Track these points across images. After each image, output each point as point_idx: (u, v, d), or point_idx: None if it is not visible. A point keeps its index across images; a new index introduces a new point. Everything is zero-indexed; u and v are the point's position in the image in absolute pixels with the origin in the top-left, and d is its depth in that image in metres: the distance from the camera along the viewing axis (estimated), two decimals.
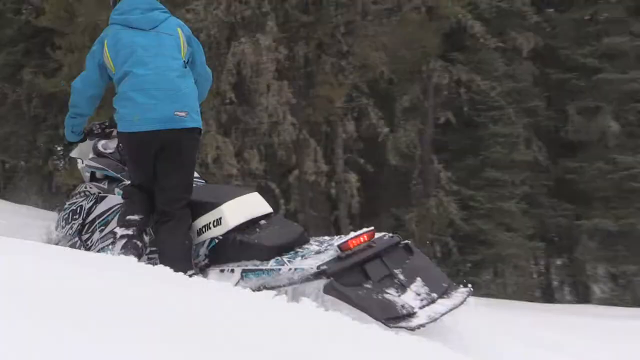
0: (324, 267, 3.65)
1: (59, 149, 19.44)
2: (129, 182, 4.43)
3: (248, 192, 4.38)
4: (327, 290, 3.57)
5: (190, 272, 3.93)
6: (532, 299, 14.37)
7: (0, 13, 17.65)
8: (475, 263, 14.83)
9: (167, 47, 4.22)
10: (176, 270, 3.57)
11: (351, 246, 3.76)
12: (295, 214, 14.31)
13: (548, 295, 15.94)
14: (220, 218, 4.09)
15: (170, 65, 4.18)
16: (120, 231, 4.25)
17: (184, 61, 4.26)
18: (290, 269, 3.73)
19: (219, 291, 3.23)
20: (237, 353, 2.12)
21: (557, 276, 16.82)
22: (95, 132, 4.84)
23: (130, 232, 4.21)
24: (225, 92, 12.36)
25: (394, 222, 15.64)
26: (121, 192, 4.48)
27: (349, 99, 13.51)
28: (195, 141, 4.30)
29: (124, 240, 4.16)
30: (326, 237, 4.05)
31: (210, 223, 4.13)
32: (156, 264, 3.85)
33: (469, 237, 14.42)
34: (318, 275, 3.64)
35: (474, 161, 14.79)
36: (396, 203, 15.15)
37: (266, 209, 4.28)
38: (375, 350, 2.69)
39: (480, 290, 13.48)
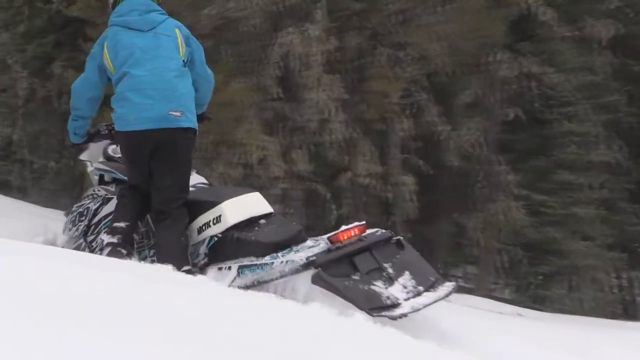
0: (313, 258, 4.09)
1: None
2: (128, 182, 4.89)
3: (249, 192, 4.86)
4: (315, 280, 3.99)
5: (185, 268, 4.39)
6: (613, 316, 14.20)
7: (29, 2, 18.17)
8: (547, 275, 14.74)
9: (165, 48, 4.72)
10: (174, 264, 4.08)
11: (341, 239, 4.20)
12: (346, 219, 14.44)
13: (631, 312, 15.73)
14: (220, 216, 4.55)
15: (167, 65, 4.68)
16: (106, 238, 4.75)
17: (183, 61, 4.77)
18: (282, 261, 4.16)
19: (220, 291, 3.50)
20: (238, 353, 2.29)
21: None
22: (102, 132, 5.31)
23: (115, 240, 4.69)
24: (271, 87, 12.56)
25: (455, 229, 15.65)
26: None
27: (406, 93, 13.57)
28: (190, 141, 4.79)
29: (109, 249, 4.65)
30: (323, 236, 4.39)
31: (210, 221, 4.59)
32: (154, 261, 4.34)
33: (540, 246, 14.34)
34: (307, 266, 4.07)
35: (545, 162, 14.69)
36: (458, 208, 15.14)
37: (266, 208, 4.75)
38: (376, 350, 2.87)
39: (553, 305, 13.41)
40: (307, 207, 13.88)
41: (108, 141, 5.36)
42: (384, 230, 4.48)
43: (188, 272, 4.33)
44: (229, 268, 4.36)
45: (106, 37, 4.77)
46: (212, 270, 4.45)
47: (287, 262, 4.15)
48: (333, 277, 3.99)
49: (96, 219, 5.11)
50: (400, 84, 13.12)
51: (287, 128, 13.11)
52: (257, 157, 12.58)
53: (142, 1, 4.86)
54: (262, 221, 4.63)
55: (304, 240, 4.44)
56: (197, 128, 4.84)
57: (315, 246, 4.27)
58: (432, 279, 4.21)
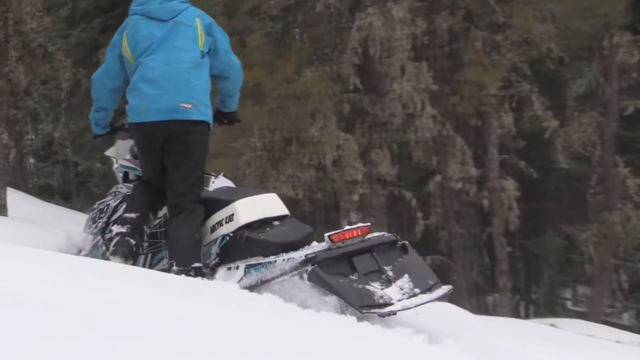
0: (312, 255, 4.54)
1: None
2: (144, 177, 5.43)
3: (266, 193, 5.35)
4: (310, 277, 4.46)
5: (196, 265, 4.91)
6: None
7: None
8: None
9: (182, 39, 5.14)
10: (183, 261, 4.83)
11: (342, 238, 4.63)
12: (435, 230, 14.56)
13: None
14: (233, 214, 5.01)
15: (181, 57, 5.12)
16: (115, 229, 5.24)
17: (202, 51, 5.17)
18: (283, 259, 4.65)
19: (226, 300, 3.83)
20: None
21: None
22: (126, 126, 5.60)
23: (124, 229, 5.17)
24: (348, 76, 12.77)
25: (564, 242, 15.60)
26: None
27: (505, 84, 13.56)
28: (203, 135, 5.18)
29: (117, 238, 5.15)
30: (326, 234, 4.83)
31: (222, 220, 5.07)
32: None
33: None
34: (305, 263, 4.53)
35: None
36: (567, 218, 15.09)
37: (281, 210, 5.18)
38: (373, 352, 3.17)
39: None
40: (389, 217, 14.04)
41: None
42: (388, 234, 4.89)
43: (198, 270, 4.88)
44: (237, 268, 4.86)
45: (126, 25, 5.19)
46: (222, 270, 4.94)
47: (287, 259, 4.63)
48: (329, 275, 4.46)
49: (115, 217, 5.55)
50: (499, 73, 13.15)
51: (367, 124, 13.30)
52: (331, 157, 12.77)
53: None
54: (276, 223, 5.07)
55: (313, 241, 4.89)
56: (210, 122, 5.22)
57: (318, 246, 4.74)
58: (431, 282, 4.62)
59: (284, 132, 12.84)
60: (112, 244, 5.14)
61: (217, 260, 5.05)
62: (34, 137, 24.68)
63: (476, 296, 15.48)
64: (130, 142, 5.70)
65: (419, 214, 13.66)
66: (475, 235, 15.37)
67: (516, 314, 17.08)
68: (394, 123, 13.04)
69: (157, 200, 5.34)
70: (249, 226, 4.99)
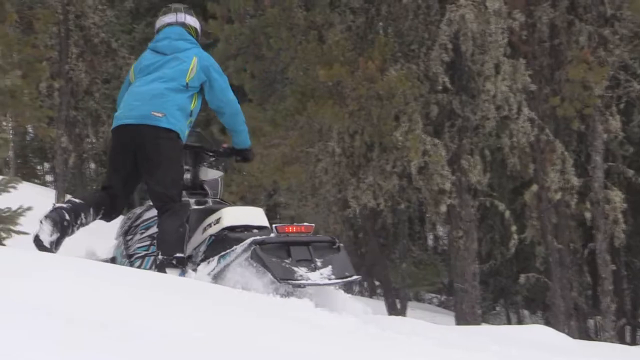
0: (258, 240, 5.79)
1: (209, 153, 20.51)
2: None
3: (254, 207, 6.85)
4: (252, 255, 5.76)
5: (178, 255, 6.07)
6: None
7: None
8: None
9: (171, 68, 6.44)
10: (167, 251, 6.01)
11: (286, 230, 5.95)
12: (531, 245, 14.33)
13: None
14: (219, 218, 6.31)
15: (165, 81, 6.38)
16: (58, 204, 6.41)
17: (187, 83, 6.41)
18: (240, 245, 5.86)
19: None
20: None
21: None
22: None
23: (64, 205, 6.40)
24: (437, 75, 12.62)
25: None
26: None
27: (613, 83, 13.35)
28: (173, 141, 6.27)
29: (57, 209, 6.33)
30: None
31: (211, 222, 6.38)
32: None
33: None
34: (250, 245, 5.79)
35: None
36: None
37: (263, 222, 6.46)
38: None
39: None
40: (480, 230, 13.85)
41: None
42: (331, 237, 6.29)
43: (180, 259, 6.09)
44: (213, 259, 6.09)
45: (140, 59, 6.63)
46: (202, 264, 6.14)
47: (242, 245, 5.85)
48: (266, 255, 5.75)
49: (137, 222, 6.76)
50: (606, 71, 12.89)
51: (457, 128, 13.13)
52: (417, 164, 12.64)
53: (177, 30, 6.61)
54: (255, 230, 6.33)
55: None
56: (180, 132, 6.31)
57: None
58: (347, 273, 5.90)
59: (365, 136, 12.75)
60: (50, 210, 6.33)
61: (203, 257, 6.26)
62: (94, 140, 25.01)
63: (576, 319, 15.23)
64: None
65: (513, 227, 13.48)
66: (576, 252, 15.13)
67: (621, 340, 16.72)
68: (487, 126, 12.85)
69: (109, 204, 6.48)
70: (231, 229, 6.28)
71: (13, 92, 12.19)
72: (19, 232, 10.47)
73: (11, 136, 23.86)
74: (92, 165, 30.36)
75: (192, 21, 6.78)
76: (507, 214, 13.55)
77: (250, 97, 15.78)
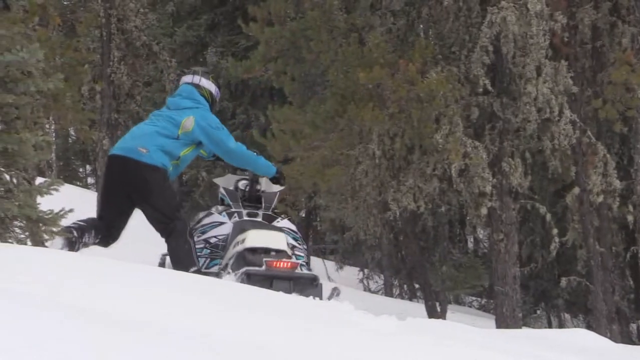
0: (251, 271, 7.07)
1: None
2: (236, 210, 7.96)
3: (277, 231, 7.72)
4: (241, 281, 6.93)
5: (192, 269, 7.00)
6: None
7: None
8: None
9: (168, 120, 7.54)
10: (183, 270, 6.64)
11: (274, 265, 7.16)
12: (572, 249, 14.27)
13: None
14: (244, 239, 7.40)
15: (158, 126, 7.52)
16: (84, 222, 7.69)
17: (178, 135, 7.50)
18: (240, 270, 7.14)
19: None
20: None
21: None
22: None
23: (72, 224, 7.53)
24: (478, 77, 12.60)
25: None
26: (225, 214, 7.99)
27: None
28: (157, 174, 7.37)
29: (76, 224, 7.61)
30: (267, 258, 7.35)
31: (239, 241, 7.46)
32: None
33: None
34: (243, 273, 7.06)
35: None
36: None
37: (282, 246, 7.50)
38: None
39: None
40: (521, 233, 13.81)
41: (242, 177, 8.26)
42: (311, 273, 7.39)
43: (197, 272, 6.96)
44: (232, 272, 7.23)
45: None
46: (228, 275, 7.19)
47: (240, 270, 7.11)
48: (251, 284, 6.70)
49: (197, 225, 7.85)
50: None
51: (497, 130, 13.10)
52: (458, 167, 12.62)
53: (188, 89, 7.72)
54: (273, 253, 7.36)
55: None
56: (162, 167, 7.37)
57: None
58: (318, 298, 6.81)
59: (406, 139, 12.75)
60: (73, 223, 7.60)
61: (230, 269, 7.30)
62: None
63: (618, 323, 15.13)
64: (234, 178, 8.21)
65: (555, 231, 13.40)
66: (618, 255, 15.06)
67: None
68: (528, 129, 12.79)
69: (102, 232, 7.61)
70: (252, 250, 7.34)
71: (55, 95, 12.37)
72: (60, 235, 10.65)
73: (54, 139, 24.16)
74: None
75: (207, 84, 7.96)
76: (548, 217, 13.49)
77: (290, 99, 15.88)
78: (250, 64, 15.86)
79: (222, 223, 8.09)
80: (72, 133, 31.10)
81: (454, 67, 12.66)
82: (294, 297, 5.88)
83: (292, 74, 15.67)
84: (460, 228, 21.57)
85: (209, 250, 7.59)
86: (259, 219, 7.91)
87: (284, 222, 7.95)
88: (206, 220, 7.93)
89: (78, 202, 12.89)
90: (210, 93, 8.02)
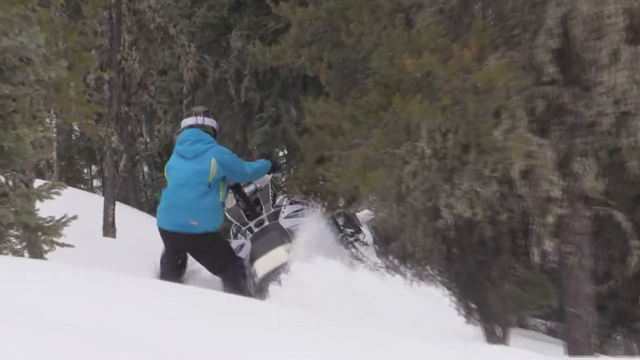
0: None
1: (280, 154, 20.59)
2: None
3: (277, 248, 10.54)
4: None
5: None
6: None
7: None
8: None
9: (196, 174, 10.17)
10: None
11: None
12: None
13: None
14: (255, 271, 10.28)
15: (193, 189, 10.15)
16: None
17: (210, 183, 10.17)
18: None
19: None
20: None
21: None
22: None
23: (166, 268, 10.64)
24: (543, 65, 12.62)
25: None
26: (240, 235, 11.50)
27: None
28: (210, 237, 10.31)
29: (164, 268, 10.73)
30: None
31: (253, 272, 10.33)
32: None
33: None
34: None
35: None
36: None
37: (284, 259, 10.19)
38: None
39: None
40: (596, 245, 13.76)
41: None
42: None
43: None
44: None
45: (170, 159, 10.59)
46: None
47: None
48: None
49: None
50: None
51: (567, 126, 13.10)
52: (520, 168, 12.65)
53: (194, 132, 10.50)
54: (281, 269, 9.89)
55: None
56: (214, 229, 10.32)
57: None
58: None
59: (460, 135, 12.78)
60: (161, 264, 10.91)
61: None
62: (149, 140, 25.39)
63: None
64: (231, 196, 11.30)
65: (634, 242, 13.37)
66: None
67: None
68: (603, 124, 12.77)
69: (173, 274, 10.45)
70: (266, 277, 10.13)
71: (58, 85, 12.54)
72: (62, 245, 10.77)
73: (55, 135, 24.42)
74: (146, 169, 30.75)
75: (209, 122, 10.72)
76: (628, 226, 13.46)
77: (326, 90, 15.93)
78: (280, 49, 15.94)
79: (243, 244, 10.67)
80: (76, 128, 31.41)
81: (516, 53, 12.66)
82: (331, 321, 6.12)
83: (328, 60, 15.72)
84: (524, 239, 21.48)
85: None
86: (267, 222, 10.78)
87: (288, 209, 11.02)
88: (234, 245, 10.62)
89: (82, 207, 13.07)
90: (213, 128, 10.70)
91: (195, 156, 10.20)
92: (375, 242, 11.36)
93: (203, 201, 10.04)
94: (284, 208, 11.15)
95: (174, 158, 10.47)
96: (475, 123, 12.65)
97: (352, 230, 11.84)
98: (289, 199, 11.43)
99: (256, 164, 10.94)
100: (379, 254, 12.61)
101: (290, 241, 10.80)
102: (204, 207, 10.06)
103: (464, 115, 12.70)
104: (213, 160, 10.13)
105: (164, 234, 10.33)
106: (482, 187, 12.99)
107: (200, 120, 10.58)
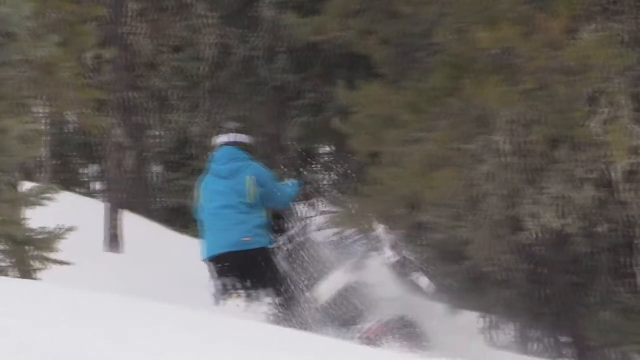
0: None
1: (321, 150, 20.44)
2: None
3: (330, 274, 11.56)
4: None
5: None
6: None
7: None
8: None
9: (236, 194, 11.26)
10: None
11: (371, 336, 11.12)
12: None
13: None
14: (316, 299, 11.34)
15: (233, 206, 11.24)
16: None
17: (249, 202, 11.27)
18: None
19: None
20: None
21: None
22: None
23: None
24: None
25: None
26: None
27: None
28: (264, 253, 11.30)
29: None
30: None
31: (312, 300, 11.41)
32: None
33: None
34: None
35: None
36: None
37: (339, 285, 11.39)
38: None
39: None
40: None
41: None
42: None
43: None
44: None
45: (202, 177, 11.67)
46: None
47: None
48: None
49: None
50: None
51: None
52: (623, 167, 12.66)
53: (228, 150, 11.51)
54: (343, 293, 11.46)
55: None
56: (266, 246, 11.35)
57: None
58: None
59: (547, 127, 12.77)
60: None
61: None
62: (159, 132, 25.45)
63: None
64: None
65: None
66: None
67: None
68: None
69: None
70: (326, 307, 11.37)
71: (48, 65, 12.61)
72: (57, 262, 10.85)
73: (46, 127, 24.57)
74: (157, 168, 30.84)
75: (243, 138, 11.74)
76: None
77: (379, 71, 15.92)
78: (321, 21, 15.99)
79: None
80: (72, 119, 31.61)
81: (616, 24, 12.63)
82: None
83: (382, 34, 15.72)
84: (629, 256, 21.40)
85: None
86: (298, 238, 11.80)
87: (316, 221, 12.22)
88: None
89: (80, 216, 13.17)
90: (247, 144, 11.73)
91: (231, 175, 11.43)
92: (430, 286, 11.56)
93: (250, 218, 11.29)
94: (312, 220, 12.36)
95: (209, 177, 11.67)
96: (566, 111, 12.64)
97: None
98: (314, 208, 12.65)
99: (287, 187, 12.09)
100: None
101: (339, 261, 11.85)
102: (252, 223, 11.31)
103: (552, 101, 12.68)
104: (248, 179, 11.38)
105: (214, 260, 11.40)
106: (575, 191, 12.97)
107: (232, 137, 11.80)
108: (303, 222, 12.13)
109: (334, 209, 13.02)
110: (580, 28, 12.46)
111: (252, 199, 11.44)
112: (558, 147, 13.01)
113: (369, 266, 11.85)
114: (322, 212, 12.45)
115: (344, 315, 11.58)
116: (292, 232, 11.91)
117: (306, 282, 11.66)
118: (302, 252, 11.82)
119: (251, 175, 11.48)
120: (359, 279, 11.70)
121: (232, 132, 12.01)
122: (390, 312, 11.57)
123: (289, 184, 12.27)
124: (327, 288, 11.64)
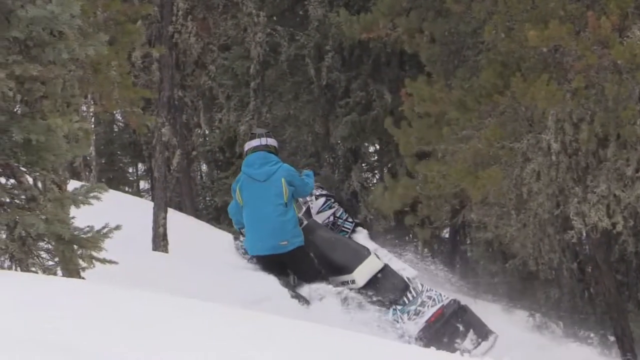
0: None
1: (371, 149, 20.39)
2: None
3: (371, 258, 12.38)
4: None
5: None
6: None
7: None
8: None
9: (274, 196, 12.17)
10: None
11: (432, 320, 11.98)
12: None
13: None
14: (354, 280, 12.24)
15: (271, 209, 12.16)
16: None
17: (285, 203, 12.23)
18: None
19: None
20: None
21: None
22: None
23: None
24: None
25: None
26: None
27: None
28: (300, 252, 12.21)
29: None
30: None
31: (348, 281, 12.30)
32: None
33: None
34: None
35: None
36: None
37: (380, 266, 12.33)
38: None
39: None
40: None
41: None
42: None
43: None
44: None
45: (238, 181, 12.37)
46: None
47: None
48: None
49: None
50: None
51: None
52: None
53: (260, 155, 12.24)
54: (379, 275, 12.19)
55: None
56: (302, 244, 12.20)
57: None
58: (485, 331, 11.58)
59: (596, 126, 12.73)
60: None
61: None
62: (208, 131, 25.50)
63: None
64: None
65: None
66: None
67: None
68: None
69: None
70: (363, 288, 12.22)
71: (96, 64, 12.65)
72: (103, 261, 10.87)
73: (93, 126, 24.73)
74: (204, 167, 30.91)
75: (272, 142, 12.57)
76: None
77: (428, 69, 15.91)
78: (371, 19, 15.98)
79: None
80: (119, 118, 31.76)
81: None
82: None
83: (430, 32, 15.71)
84: None
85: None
86: (305, 222, 12.66)
87: (316, 204, 13.09)
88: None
89: (127, 215, 13.21)
90: (275, 147, 12.62)
91: (267, 178, 12.28)
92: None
93: (286, 220, 12.22)
94: (311, 203, 13.24)
95: (245, 181, 12.46)
96: (616, 110, 12.58)
97: None
98: (311, 193, 13.34)
99: (308, 178, 12.90)
100: None
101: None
102: (288, 225, 12.26)
103: (602, 100, 12.64)
104: (283, 181, 12.26)
105: (260, 259, 12.53)
106: (624, 190, 12.91)
107: (263, 141, 12.62)
108: (305, 206, 12.97)
109: (324, 188, 13.92)
110: (631, 26, 12.38)
111: (287, 199, 12.31)
112: (607, 146, 12.97)
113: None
114: (318, 196, 13.25)
115: (387, 296, 12.19)
116: (299, 215, 12.91)
117: (328, 268, 12.58)
118: (310, 237, 12.59)
119: (284, 177, 12.29)
120: (389, 262, 12.58)
121: (262, 136, 12.74)
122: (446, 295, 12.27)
123: (307, 175, 13.03)
124: (364, 271, 12.40)
